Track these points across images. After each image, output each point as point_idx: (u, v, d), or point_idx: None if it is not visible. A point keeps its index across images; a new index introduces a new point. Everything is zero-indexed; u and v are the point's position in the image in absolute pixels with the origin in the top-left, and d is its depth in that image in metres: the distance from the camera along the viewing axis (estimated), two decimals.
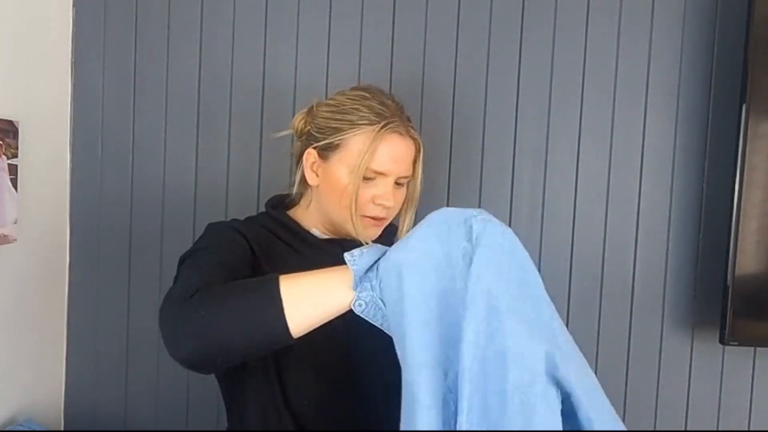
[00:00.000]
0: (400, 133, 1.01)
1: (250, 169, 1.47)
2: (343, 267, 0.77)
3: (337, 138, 1.00)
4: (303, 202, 1.09)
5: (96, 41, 1.48)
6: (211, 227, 1.03)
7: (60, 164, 1.48)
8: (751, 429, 1.43)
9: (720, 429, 1.43)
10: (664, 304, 1.44)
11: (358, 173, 0.98)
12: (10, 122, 1.27)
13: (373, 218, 1.02)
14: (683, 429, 1.44)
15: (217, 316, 0.76)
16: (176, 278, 0.90)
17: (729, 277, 1.31)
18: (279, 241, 1.04)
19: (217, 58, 1.46)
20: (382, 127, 0.98)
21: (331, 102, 1.04)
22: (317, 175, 1.04)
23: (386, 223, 1.05)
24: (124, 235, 1.50)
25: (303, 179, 1.07)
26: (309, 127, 1.05)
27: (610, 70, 1.41)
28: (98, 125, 1.49)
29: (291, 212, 1.10)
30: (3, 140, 1.25)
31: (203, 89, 1.47)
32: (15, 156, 1.29)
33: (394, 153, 1.00)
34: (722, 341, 1.33)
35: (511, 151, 1.44)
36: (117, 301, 1.51)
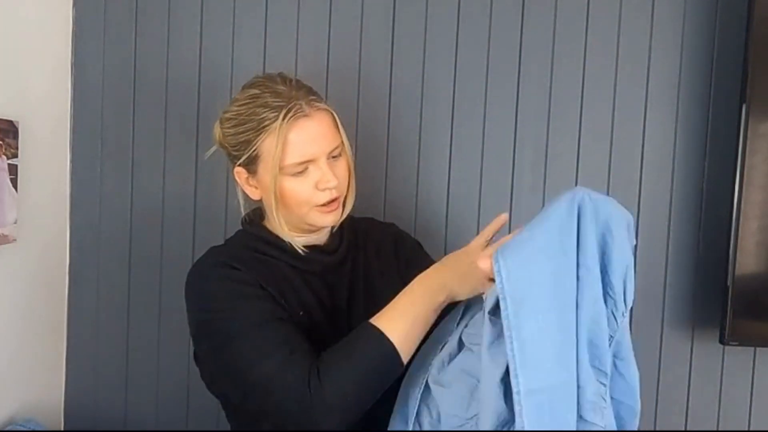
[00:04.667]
0: (305, 114, 0.97)
1: None
2: (422, 280, 0.94)
3: (252, 150, 0.98)
4: (265, 213, 1.09)
5: (96, 41, 1.48)
6: (208, 284, 0.99)
7: (60, 164, 1.48)
8: (751, 429, 1.43)
9: (720, 429, 1.43)
10: (664, 304, 1.44)
11: (280, 173, 0.96)
12: (10, 122, 1.27)
13: (326, 205, 1.00)
14: (683, 429, 1.44)
15: (351, 385, 0.87)
16: (244, 359, 0.92)
17: (729, 277, 1.31)
18: (268, 258, 1.03)
19: (217, 58, 1.46)
20: (282, 120, 0.95)
21: (229, 116, 1.02)
22: (256, 188, 1.03)
23: (340, 201, 1.03)
24: (125, 235, 1.50)
25: (247, 195, 1.06)
26: (224, 144, 1.04)
27: (610, 69, 1.41)
28: (98, 125, 1.49)
29: (266, 223, 1.09)
30: (3, 140, 1.25)
31: (203, 89, 1.47)
32: (15, 156, 1.29)
33: (307, 136, 0.97)
34: (722, 341, 1.33)
35: (511, 150, 1.44)
36: (117, 301, 1.51)
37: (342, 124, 1.03)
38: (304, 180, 0.98)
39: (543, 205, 1.42)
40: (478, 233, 1.01)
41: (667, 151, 1.42)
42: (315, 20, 1.44)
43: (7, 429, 1.28)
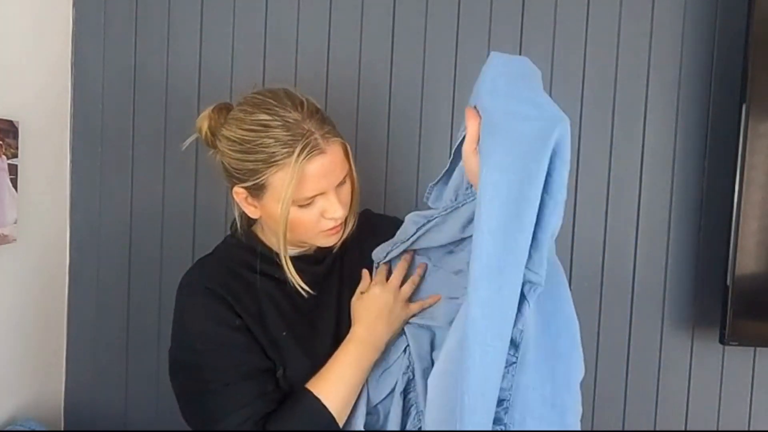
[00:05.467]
0: (321, 151, 0.93)
1: None
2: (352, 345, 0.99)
3: (260, 179, 0.94)
4: (257, 223, 1.07)
5: (96, 41, 1.48)
6: (191, 318, 1.00)
7: (60, 164, 1.48)
8: (751, 429, 1.43)
9: (720, 429, 1.43)
10: (664, 304, 1.44)
11: (289, 207, 0.94)
12: (10, 122, 1.27)
13: (330, 228, 0.99)
14: (683, 429, 1.44)
15: None
16: (205, 406, 0.97)
17: (729, 277, 1.31)
18: (254, 274, 1.03)
19: (217, 58, 1.46)
20: (297, 156, 0.91)
21: (233, 137, 0.96)
22: (256, 207, 1.00)
23: (343, 223, 1.03)
24: (125, 235, 1.50)
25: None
26: (222, 161, 1.00)
27: (610, 69, 1.41)
28: (98, 125, 1.49)
29: (255, 229, 1.08)
30: (3, 140, 1.25)
31: (203, 89, 1.47)
32: (15, 156, 1.29)
33: (322, 172, 0.93)
34: (722, 341, 1.33)
35: None
36: (117, 301, 1.51)
37: (351, 152, 1.00)
38: (311, 210, 0.97)
39: None
40: None
41: (667, 151, 1.42)
42: (315, 20, 1.44)
43: (7, 429, 1.28)
